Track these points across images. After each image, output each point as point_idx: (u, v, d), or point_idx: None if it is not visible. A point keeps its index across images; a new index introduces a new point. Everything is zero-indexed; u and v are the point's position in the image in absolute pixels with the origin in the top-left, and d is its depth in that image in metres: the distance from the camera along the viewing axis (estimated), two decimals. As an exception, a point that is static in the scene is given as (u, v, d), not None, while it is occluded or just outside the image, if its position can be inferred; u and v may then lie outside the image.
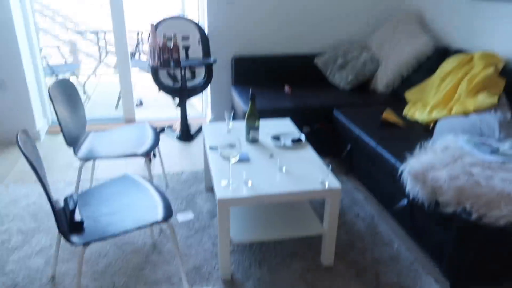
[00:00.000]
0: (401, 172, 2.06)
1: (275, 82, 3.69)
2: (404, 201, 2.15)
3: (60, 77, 4.84)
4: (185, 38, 3.42)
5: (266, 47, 3.77)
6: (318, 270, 2.09)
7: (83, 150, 2.42)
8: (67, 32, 5.68)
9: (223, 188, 1.96)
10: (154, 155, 3.40)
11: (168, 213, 1.80)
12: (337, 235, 2.36)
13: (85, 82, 5.05)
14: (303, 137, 2.47)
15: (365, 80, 3.55)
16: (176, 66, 3.25)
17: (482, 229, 1.72)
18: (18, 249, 2.28)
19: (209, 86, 3.84)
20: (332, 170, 3.12)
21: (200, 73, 3.62)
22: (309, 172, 2.09)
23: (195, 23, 3.52)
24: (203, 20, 3.75)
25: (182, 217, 2.56)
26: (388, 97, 3.39)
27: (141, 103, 4.64)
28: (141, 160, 3.32)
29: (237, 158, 1.98)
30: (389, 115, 2.75)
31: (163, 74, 3.51)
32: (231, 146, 2.41)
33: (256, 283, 2.01)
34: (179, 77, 3.51)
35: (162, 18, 3.46)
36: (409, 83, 3.26)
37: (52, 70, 4.21)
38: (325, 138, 3.25)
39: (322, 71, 3.71)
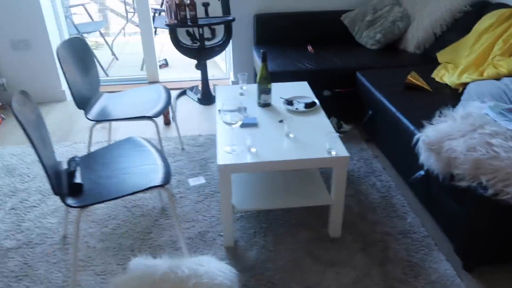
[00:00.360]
0: (416, 141, 1.91)
1: (298, 42, 3.51)
2: (421, 172, 2.01)
3: (86, 36, 4.87)
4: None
5: (290, 3, 3.56)
6: (323, 241, 2.03)
7: (94, 111, 2.41)
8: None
9: (226, 153, 1.90)
10: (174, 118, 3.38)
11: (166, 179, 1.77)
12: (349, 206, 2.27)
13: (112, 42, 5.05)
14: (317, 101, 2.34)
15: (395, 39, 3.29)
16: (193, 24, 3.14)
17: (499, 206, 1.57)
18: (35, 208, 2.36)
19: (231, 46, 3.72)
20: (341, 137, 2.96)
21: (221, 32, 3.48)
22: (317, 139, 1.98)
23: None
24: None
25: (193, 181, 2.54)
26: (418, 58, 3.14)
27: (166, 64, 4.60)
28: (160, 122, 3.31)
29: (239, 123, 1.90)
30: (413, 78, 2.54)
31: (182, 33, 3.42)
32: (240, 110, 2.33)
33: (259, 252, 1.98)
34: (203, 35, 3.39)
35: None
36: (442, 43, 2.99)
37: (77, 29, 4.21)
38: (347, 103, 3.09)
39: (349, 29, 3.47)
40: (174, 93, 3.80)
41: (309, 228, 2.12)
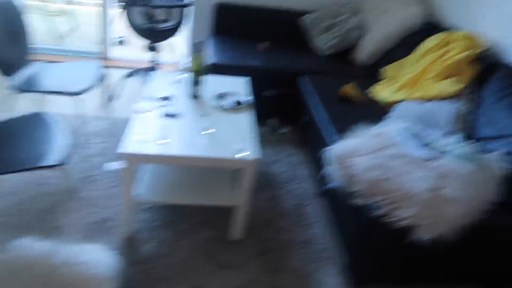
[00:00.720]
0: (325, 153, 1.89)
1: (257, 37, 3.42)
2: (329, 185, 1.99)
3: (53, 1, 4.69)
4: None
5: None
6: (224, 242, 2.00)
7: (19, 80, 2.31)
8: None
9: (132, 141, 1.84)
10: (111, 98, 3.29)
11: (61, 160, 1.71)
12: (261, 209, 2.24)
13: (71, 11, 4.87)
14: (246, 100, 2.29)
15: (349, 48, 3.27)
16: (145, 4, 3.05)
17: (387, 227, 1.57)
18: None
19: (188, 32, 3.64)
20: (260, 139, 2.91)
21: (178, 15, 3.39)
22: (233, 139, 1.94)
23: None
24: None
25: (113, 165, 2.47)
26: (367, 69, 3.13)
27: (122, 41, 4.47)
28: (97, 97, 3.21)
29: (152, 112, 1.85)
30: (349, 89, 2.53)
31: (138, 13, 3.31)
32: (166, 98, 2.27)
33: (155, 246, 1.94)
34: (156, 17, 3.29)
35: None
36: (391, 57, 2.98)
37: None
38: (291, 105, 3.06)
39: (307, 32, 3.43)
40: (125, 72, 3.70)
41: (214, 227, 2.08)
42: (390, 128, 1.90)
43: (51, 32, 4.26)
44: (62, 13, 5.04)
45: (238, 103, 2.25)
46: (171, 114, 2.10)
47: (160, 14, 3.28)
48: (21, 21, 2.45)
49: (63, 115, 2.85)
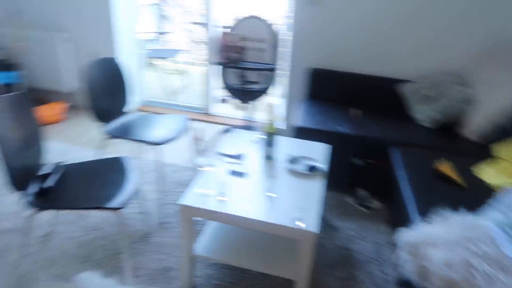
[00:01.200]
0: (398, 237, 1.61)
1: (350, 103, 3.32)
2: (403, 275, 1.69)
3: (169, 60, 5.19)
4: (261, 40, 3.30)
5: (349, 62, 3.40)
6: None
7: (111, 126, 2.51)
8: (187, 21, 6.11)
9: (192, 195, 1.81)
10: (203, 151, 3.39)
11: (120, 205, 1.74)
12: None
13: (183, 70, 5.32)
14: (320, 166, 2.14)
15: (453, 121, 2.93)
16: (232, 66, 3.19)
17: None
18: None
19: (284, 94, 3.67)
20: (344, 210, 2.62)
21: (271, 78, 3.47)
22: (296, 206, 1.79)
23: (271, 27, 3.36)
24: (285, 25, 3.56)
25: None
26: (472, 146, 2.73)
27: (225, 100, 4.67)
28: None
29: (208, 168, 1.82)
30: (444, 167, 2.21)
31: (232, 74, 3.47)
32: (236, 157, 2.24)
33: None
34: (247, 78, 3.42)
35: (240, 17, 3.38)
36: (505, 136, 2.58)
37: (154, 53, 4.53)
38: (379, 177, 2.79)
39: (405, 100, 3.20)
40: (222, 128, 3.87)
41: (272, 299, 1.90)
42: (485, 218, 1.57)
43: (165, 88, 4.68)
44: (177, 72, 5.56)
45: (311, 168, 2.11)
46: (238, 172, 2.04)
47: (251, 76, 3.39)
48: (121, 76, 2.69)
49: (157, 162, 3.01)
